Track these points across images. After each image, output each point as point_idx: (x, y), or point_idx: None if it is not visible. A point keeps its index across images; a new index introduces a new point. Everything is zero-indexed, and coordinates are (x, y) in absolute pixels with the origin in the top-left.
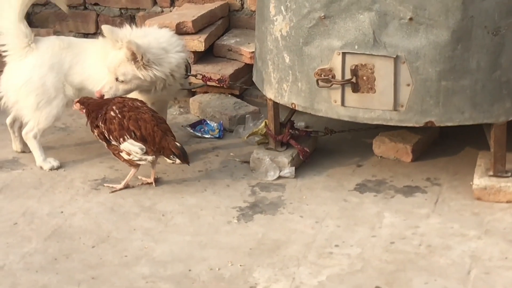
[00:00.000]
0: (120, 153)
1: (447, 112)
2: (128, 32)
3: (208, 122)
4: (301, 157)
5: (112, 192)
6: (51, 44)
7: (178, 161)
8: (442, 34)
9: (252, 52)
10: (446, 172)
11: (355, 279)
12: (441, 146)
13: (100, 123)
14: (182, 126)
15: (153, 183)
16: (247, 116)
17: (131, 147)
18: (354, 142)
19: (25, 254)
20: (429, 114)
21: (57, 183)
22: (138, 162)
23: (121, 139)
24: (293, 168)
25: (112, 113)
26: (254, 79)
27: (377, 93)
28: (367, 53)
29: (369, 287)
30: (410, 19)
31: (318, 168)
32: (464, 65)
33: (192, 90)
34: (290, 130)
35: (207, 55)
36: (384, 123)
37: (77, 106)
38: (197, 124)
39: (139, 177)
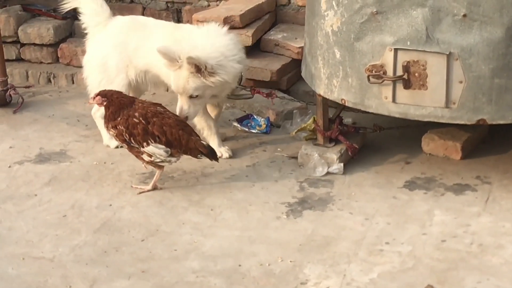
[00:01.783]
0: (142, 155)
1: (500, 110)
2: (180, 48)
3: (255, 117)
4: (349, 153)
5: (140, 193)
6: (121, 23)
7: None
8: (496, 31)
9: (299, 47)
10: (496, 170)
11: (406, 277)
12: (491, 144)
13: (120, 126)
14: (229, 120)
15: (156, 188)
16: (294, 111)
17: (155, 150)
18: (402, 139)
19: (75, 247)
20: (482, 111)
21: (105, 176)
22: (160, 164)
23: (145, 143)
24: (342, 164)
25: (135, 119)
26: (303, 74)
27: (429, 90)
28: (420, 49)
29: (420, 285)
30: (464, 15)
31: (367, 165)
32: None
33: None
34: (339, 126)
35: (254, 49)
36: (436, 120)
37: (97, 100)
38: (244, 119)
39: (133, 186)
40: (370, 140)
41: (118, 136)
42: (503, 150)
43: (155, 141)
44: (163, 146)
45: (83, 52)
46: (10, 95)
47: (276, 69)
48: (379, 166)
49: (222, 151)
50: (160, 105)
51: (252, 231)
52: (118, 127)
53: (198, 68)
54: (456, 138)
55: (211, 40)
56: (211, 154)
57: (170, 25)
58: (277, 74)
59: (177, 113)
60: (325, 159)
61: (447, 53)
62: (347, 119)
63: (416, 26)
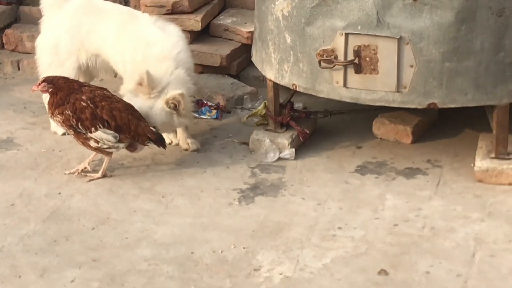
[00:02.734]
0: (88, 141)
1: (450, 94)
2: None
3: (205, 102)
4: (301, 138)
5: (90, 181)
6: (76, 6)
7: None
8: (446, 15)
9: (249, 32)
10: (447, 154)
11: (359, 262)
12: (441, 128)
13: (67, 111)
14: None
15: (106, 176)
16: (245, 97)
17: (103, 135)
18: (353, 123)
19: (24, 236)
20: (432, 95)
21: (54, 163)
22: (108, 150)
23: (93, 128)
24: (293, 149)
25: (83, 103)
26: (253, 59)
27: (380, 74)
28: (371, 33)
29: (373, 269)
30: None
31: (318, 150)
32: (468, 46)
33: None
34: (290, 112)
35: (203, 35)
36: (387, 105)
37: (42, 87)
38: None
39: (82, 173)
40: (321, 125)
41: (65, 122)
42: (453, 133)
43: (104, 126)
44: (112, 132)
45: (29, 37)
46: None
47: (226, 54)
48: (330, 151)
49: (189, 143)
50: (106, 89)
51: (204, 218)
52: (65, 112)
53: (176, 107)
54: (407, 122)
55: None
56: (159, 140)
57: (126, 13)
58: (226, 59)
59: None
60: (276, 145)
61: (398, 37)
62: (298, 104)
63: (367, 10)
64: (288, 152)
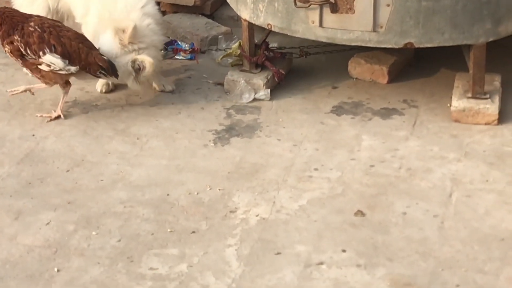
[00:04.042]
0: (39, 66)
1: (427, 33)
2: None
3: (179, 42)
4: (276, 79)
5: (49, 121)
6: None
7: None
8: None
9: None
10: (423, 94)
11: (336, 203)
12: (417, 67)
13: (16, 36)
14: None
15: (61, 116)
16: (219, 37)
17: (52, 59)
18: (329, 63)
19: None
20: (409, 35)
21: (27, 105)
22: (60, 73)
23: (41, 52)
24: (268, 90)
25: (30, 28)
26: None
27: (356, 14)
28: None
29: (350, 211)
30: None
31: (294, 90)
32: None
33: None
34: (265, 52)
35: None
36: (363, 45)
37: None
38: (168, 45)
39: (38, 114)
40: (296, 65)
41: (14, 52)
42: (429, 73)
43: (51, 51)
44: (59, 56)
45: None
46: None
47: None
48: (306, 91)
49: (164, 84)
50: (59, 22)
51: (180, 159)
52: (13, 40)
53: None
54: (383, 62)
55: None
56: (112, 69)
57: None
58: None
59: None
60: (251, 85)
61: None
62: (273, 44)
63: None
64: (264, 92)
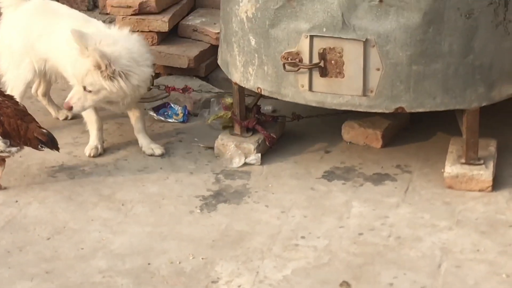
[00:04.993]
0: None
1: (418, 98)
2: (98, 39)
3: (172, 105)
4: (267, 143)
5: None
6: (31, 6)
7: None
8: (413, 17)
9: (218, 32)
10: (417, 159)
11: (321, 273)
12: (412, 131)
13: None
14: (144, 109)
15: (0, 188)
16: (212, 99)
17: None
18: (322, 127)
19: None
20: (400, 99)
21: (13, 169)
22: (2, 155)
23: None
24: (259, 154)
25: None
26: (219, 61)
27: (346, 78)
28: (336, 36)
29: (335, 281)
30: (380, 1)
31: (285, 155)
32: (436, 49)
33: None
34: (257, 115)
35: (171, 35)
36: (353, 109)
37: None
38: (161, 108)
39: None
40: (289, 129)
41: None
42: (424, 137)
43: None
44: (0, 137)
45: None
46: None
47: (194, 55)
48: (298, 155)
49: (153, 148)
50: (0, 92)
51: (164, 226)
52: None
53: (99, 65)
54: (376, 126)
55: (126, 43)
56: (51, 142)
57: (80, 18)
58: (194, 61)
59: (66, 100)
60: (242, 150)
61: (364, 39)
62: (267, 107)
63: (332, 12)
64: (254, 157)
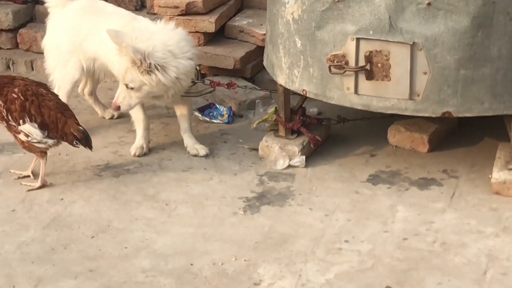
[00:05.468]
0: (18, 135)
1: (466, 102)
2: (134, 36)
3: (217, 106)
4: (312, 145)
5: (29, 190)
6: (78, 6)
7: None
8: (462, 20)
9: (264, 34)
10: (464, 164)
11: (364, 278)
12: (459, 136)
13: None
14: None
15: (31, 175)
16: (257, 101)
17: (31, 129)
18: (368, 130)
19: (22, 244)
20: (447, 104)
21: (59, 167)
22: (37, 145)
23: (21, 121)
24: (304, 157)
25: (14, 94)
26: (264, 63)
27: (392, 81)
28: (383, 39)
29: (379, 286)
30: (429, 4)
31: (330, 158)
32: (485, 53)
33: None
34: (302, 117)
35: (218, 36)
36: (399, 113)
37: None
38: (206, 108)
39: (12, 170)
40: (335, 132)
41: None
42: (472, 142)
43: (31, 120)
44: (37, 126)
45: (43, 37)
46: None
47: (240, 56)
48: (342, 158)
49: (198, 148)
50: (45, 85)
51: (207, 227)
52: None
53: (134, 61)
54: (423, 130)
55: (163, 37)
56: (86, 140)
57: (127, 15)
58: (240, 62)
59: (113, 101)
60: (286, 152)
61: (411, 43)
62: (313, 109)
63: (379, 15)
64: (298, 159)
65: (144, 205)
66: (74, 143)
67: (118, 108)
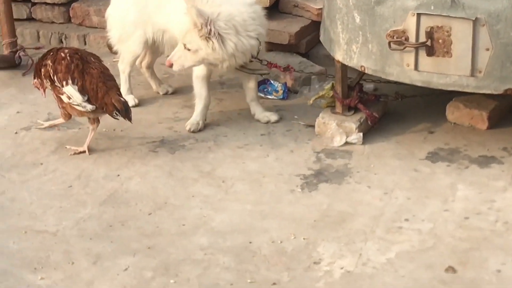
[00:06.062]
0: (61, 96)
1: None
2: (205, 0)
3: (272, 82)
4: (369, 122)
5: (73, 154)
6: None
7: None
8: None
9: (320, 8)
10: None
11: (426, 258)
12: None
13: (48, 61)
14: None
15: (87, 151)
16: (312, 77)
17: (72, 92)
18: (426, 107)
19: (79, 220)
20: (510, 81)
21: (114, 144)
22: (78, 108)
23: (64, 82)
24: (361, 134)
25: (62, 54)
26: (321, 38)
27: (454, 58)
28: (444, 14)
29: (440, 266)
30: None
31: (387, 135)
32: None
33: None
34: (359, 94)
35: (272, 11)
36: (460, 90)
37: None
38: (261, 84)
39: (67, 146)
40: (392, 109)
41: (45, 73)
42: None
43: (73, 82)
44: (78, 90)
45: (96, 12)
46: (19, 57)
47: (295, 31)
48: (400, 136)
49: (268, 115)
50: (96, 56)
51: (265, 205)
52: (46, 64)
53: (196, 23)
54: (483, 107)
55: (232, 9)
56: (126, 111)
57: None
58: (295, 37)
59: (168, 57)
60: (343, 129)
61: (473, 18)
62: (369, 86)
63: None
64: (356, 136)
65: (200, 181)
66: (114, 113)
67: (171, 65)
